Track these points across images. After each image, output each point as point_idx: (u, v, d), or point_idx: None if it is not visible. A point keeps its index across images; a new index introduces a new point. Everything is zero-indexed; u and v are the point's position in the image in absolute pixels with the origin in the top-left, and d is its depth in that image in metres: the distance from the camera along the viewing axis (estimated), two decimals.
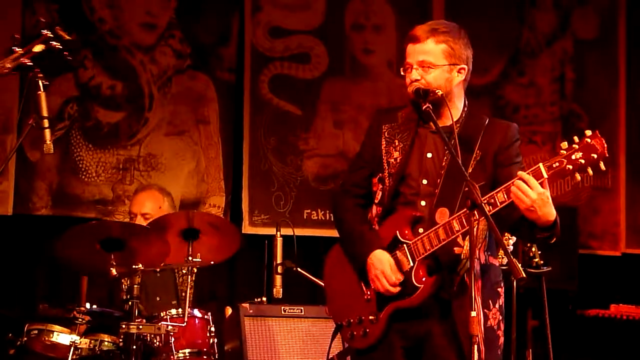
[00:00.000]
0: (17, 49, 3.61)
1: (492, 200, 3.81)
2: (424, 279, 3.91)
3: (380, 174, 4.06)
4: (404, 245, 3.94)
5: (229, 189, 6.78)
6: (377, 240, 4.00)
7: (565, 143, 3.80)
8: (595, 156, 3.78)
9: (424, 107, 3.90)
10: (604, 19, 7.46)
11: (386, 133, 4.09)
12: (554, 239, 3.95)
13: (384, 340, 3.97)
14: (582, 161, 3.78)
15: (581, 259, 6.87)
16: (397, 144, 4.05)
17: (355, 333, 3.99)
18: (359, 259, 4.00)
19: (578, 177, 3.82)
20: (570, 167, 3.78)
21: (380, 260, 3.94)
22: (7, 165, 6.29)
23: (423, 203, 3.98)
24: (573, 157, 3.79)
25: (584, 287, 6.80)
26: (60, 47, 3.63)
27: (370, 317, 3.96)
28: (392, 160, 4.04)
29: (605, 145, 3.80)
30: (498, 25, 7.23)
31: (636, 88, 7.48)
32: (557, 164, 3.81)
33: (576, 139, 3.81)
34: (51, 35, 3.63)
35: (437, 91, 3.93)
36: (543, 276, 5.87)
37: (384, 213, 4.03)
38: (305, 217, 6.77)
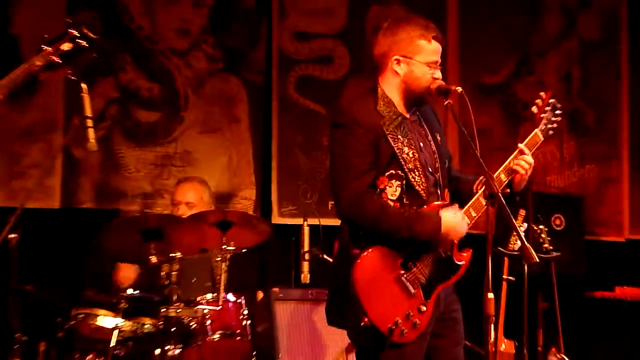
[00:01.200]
0: (46, 48, 3.54)
1: (501, 179, 3.99)
2: (463, 255, 3.97)
3: (393, 171, 3.88)
4: None
5: (259, 183, 6.79)
6: (431, 211, 3.90)
7: (535, 108, 4.09)
8: (559, 112, 4.18)
9: (445, 103, 3.88)
10: (607, 20, 7.43)
11: (386, 130, 3.88)
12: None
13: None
14: (554, 118, 4.17)
15: (588, 245, 6.85)
16: (401, 139, 3.90)
17: (405, 329, 3.83)
18: (435, 228, 3.82)
19: (550, 131, 4.16)
20: (552, 125, 4.16)
21: (457, 218, 3.89)
22: (54, 163, 6.32)
23: (439, 192, 3.98)
24: (550, 117, 4.15)
25: (590, 271, 6.77)
26: (87, 45, 3.56)
27: (422, 308, 3.85)
28: (406, 155, 3.88)
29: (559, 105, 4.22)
30: (509, 27, 7.20)
31: (638, 85, 7.44)
32: (543, 125, 4.14)
33: (540, 102, 4.16)
34: (78, 34, 3.57)
35: (457, 88, 3.91)
36: (552, 261, 5.84)
37: (413, 205, 3.90)
38: (330, 208, 6.73)
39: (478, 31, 6.98)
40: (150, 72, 6.67)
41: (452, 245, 3.93)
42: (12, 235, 5.01)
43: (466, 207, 3.93)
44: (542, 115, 4.13)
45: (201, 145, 6.73)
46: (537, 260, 3.75)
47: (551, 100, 4.17)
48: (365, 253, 3.87)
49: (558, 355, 5.78)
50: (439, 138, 4.05)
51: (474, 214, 3.92)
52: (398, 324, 3.81)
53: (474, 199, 3.94)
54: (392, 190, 3.89)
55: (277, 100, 6.86)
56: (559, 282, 6.04)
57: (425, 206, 3.91)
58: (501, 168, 3.98)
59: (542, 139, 4.10)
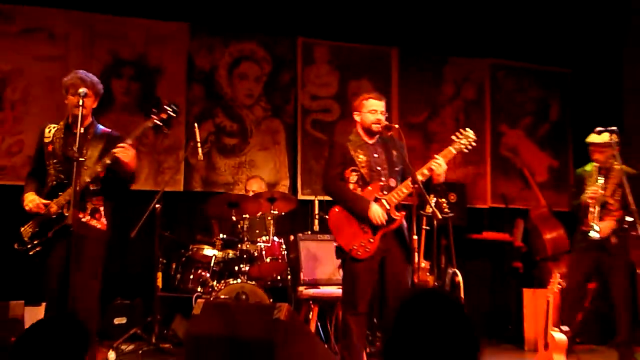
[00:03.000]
0: (154, 116, 3.79)
1: (424, 173, 3.85)
2: (397, 214, 3.88)
3: (354, 167, 3.90)
4: (382, 199, 3.87)
5: (291, 177, 6.75)
6: (367, 199, 3.90)
7: (454, 137, 3.93)
8: (472, 140, 3.96)
9: (389, 133, 3.92)
10: (478, 88, 7.39)
11: (349, 146, 3.95)
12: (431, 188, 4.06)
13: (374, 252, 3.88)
14: (466, 143, 3.95)
15: (468, 210, 6.81)
16: (359, 151, 3.92)
17: (359, 252, 3.84)
18: (365, 208, 3.84)
19: (466, 150, 3.95)
20: (462, 147, 3.94)
21: (378, 208, 3.85)
22: (180, 166, 6.31)
23: (383, 179, 3.93)
24: (463, 142, 3.95)
25: (469, 223, 6.74)
26: (174, 115, 3.82)
27: (370, 240, 3.85)
28: (359, 160, 3.91)
29: (474, 137, 3.95)
30: (425, 92, 7.17)
31: (495, 124, 7.39)
32: (457, 145, 3.94)
33: (459, 134, 3.96)
34: (170, 109, 3.80)
35: (395, 125, 3.93)
36: (449, 218, 5.81)
37: (364, 185, 3.92)
38: None
39: (407, 94, 6.97)
40: (231, 117, 6.62)
41: (388, 209, 3.85)
42: (157, 206, 5.01)
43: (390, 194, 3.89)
44: (457, 139, 3.94)
45: (259, 157, 6.67)
46: (441, 217, 3.76)
47: (467, 132, 3.96)
48: (334, 209, 3.96)
49: (452, 269, 5.74)
50: (394, 153, 3.98)
51: (394, 199, 3.87)
52: (355, 248, 3.84)
53: (398, 188, 3.91)
54: (353, 178, 3.93)
55: (300, 132, 6.81)
56: (453, 229, 5.99)
57: (369, 186, 3.90)
58: (424, 166, 3.90)
59: (455, 153, 3.92)
